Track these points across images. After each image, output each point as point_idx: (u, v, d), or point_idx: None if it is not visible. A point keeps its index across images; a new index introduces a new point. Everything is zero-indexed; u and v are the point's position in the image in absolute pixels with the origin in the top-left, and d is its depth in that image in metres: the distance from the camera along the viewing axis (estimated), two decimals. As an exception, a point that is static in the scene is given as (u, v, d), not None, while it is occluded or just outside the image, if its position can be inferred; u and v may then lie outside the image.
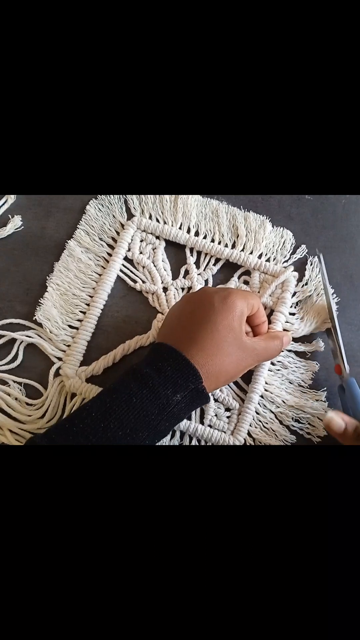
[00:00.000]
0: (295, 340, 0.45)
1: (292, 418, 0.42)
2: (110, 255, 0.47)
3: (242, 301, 0.37)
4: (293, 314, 0.45)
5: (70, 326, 0.45)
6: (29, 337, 0.44)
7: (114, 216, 0.48)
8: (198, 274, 0.47)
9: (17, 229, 0.48)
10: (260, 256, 0.47)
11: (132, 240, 0.48)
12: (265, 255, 0.47)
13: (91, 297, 0.46)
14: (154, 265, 0.47)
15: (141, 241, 0.48)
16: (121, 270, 0.47)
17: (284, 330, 0.44)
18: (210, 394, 0.36)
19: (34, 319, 0.44)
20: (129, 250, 0.47)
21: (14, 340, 0.44)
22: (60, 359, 0.44)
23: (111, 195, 0.49)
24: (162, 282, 0.47)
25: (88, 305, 0.46)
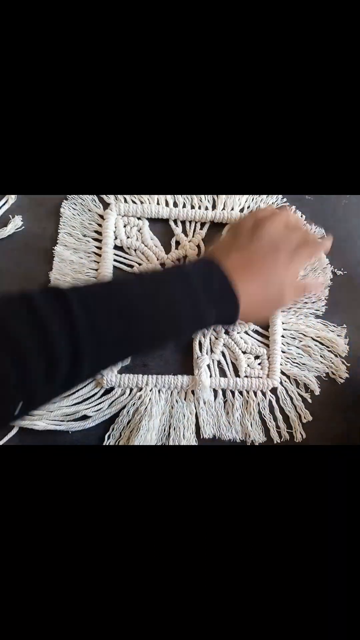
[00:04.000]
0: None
1: (319, 354, 0.45)
2: (99, 248, 0.48)
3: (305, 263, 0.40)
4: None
5: (85, 327, 0.46)
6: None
7: (89, 210, 0.49)
8: (189, 242, 0.48)
9: (17, 229, 0.48)
10: (242, 210, 0.49)
11: (115, 227, 0.48)
12: (248, 207, 0.49)
13: (95, 293, 0.47)
14: (145, 245, 0.48)
15: (124, 226, 0.49)
16: (115, 260, 0.48)
17: None
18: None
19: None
20: (115, 238, 0.48)
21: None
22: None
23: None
24: (158, 259, 0.48)
25: (95, 302, 0.46)
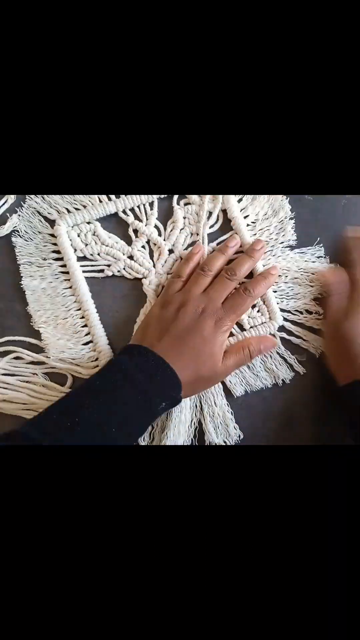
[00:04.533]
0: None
1: (308, 280, 0.46)
2: (64, 266, 0.47)
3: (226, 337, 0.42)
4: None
5: (83, 344, 0.46)
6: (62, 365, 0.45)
7: (39, 232, 0.47)
8: (146, 226, 0.48)
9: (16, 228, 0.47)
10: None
11: (70, 239, 0.47)
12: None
13: (79, 309, 0.46)
14: (106, 245, 0.47)
15: (78, 235, 0.48)
16: (84, 271, 0.47)
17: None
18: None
19: (51, 360, 0.44)
20: (75, 250, 0.47)
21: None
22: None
23: (20, 214, 0.47)
24: (124, 253, 0.47)
25: (83, 317, 0.46)
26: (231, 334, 0.46)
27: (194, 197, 0.48)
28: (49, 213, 0.47)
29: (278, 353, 0.46)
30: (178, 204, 0.49)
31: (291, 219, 0.48)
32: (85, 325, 0.46)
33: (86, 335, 0.46)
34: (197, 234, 0.48)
